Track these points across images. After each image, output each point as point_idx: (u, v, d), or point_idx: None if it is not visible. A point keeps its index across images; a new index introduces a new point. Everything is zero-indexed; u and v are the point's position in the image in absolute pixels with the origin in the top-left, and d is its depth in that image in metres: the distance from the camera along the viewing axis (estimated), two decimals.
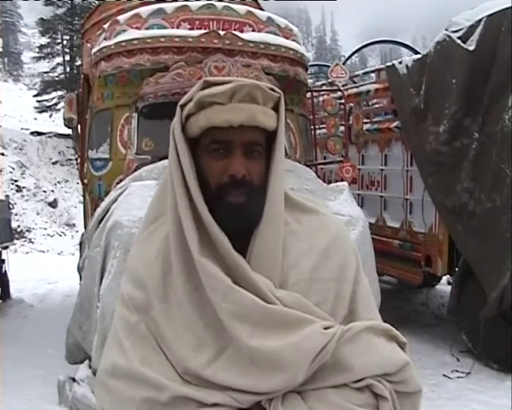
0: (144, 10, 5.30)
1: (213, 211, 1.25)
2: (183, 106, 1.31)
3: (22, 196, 22.65)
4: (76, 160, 22.53)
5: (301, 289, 1.27)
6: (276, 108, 1.32)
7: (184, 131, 1.31)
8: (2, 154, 23.58)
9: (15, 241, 15.68)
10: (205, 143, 1.28)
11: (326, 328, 1.22)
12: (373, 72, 8.27)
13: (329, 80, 7.03)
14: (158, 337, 1.27)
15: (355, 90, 7.80)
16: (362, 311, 1.32)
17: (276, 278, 1.27)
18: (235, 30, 5.18)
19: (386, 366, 1.24)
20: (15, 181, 22.89)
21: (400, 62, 6.71)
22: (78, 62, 28.51)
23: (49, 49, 33.36)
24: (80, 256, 5.79)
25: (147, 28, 5.19)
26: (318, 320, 1.23)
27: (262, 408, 1.21)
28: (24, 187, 23.04)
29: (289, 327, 1.20)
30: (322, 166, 7.36)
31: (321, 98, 7.52)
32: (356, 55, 18.23)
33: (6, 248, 8.83)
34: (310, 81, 8.01)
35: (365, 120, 6.93)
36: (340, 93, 6.36)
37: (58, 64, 33.35)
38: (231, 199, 1.25)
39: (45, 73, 33.65)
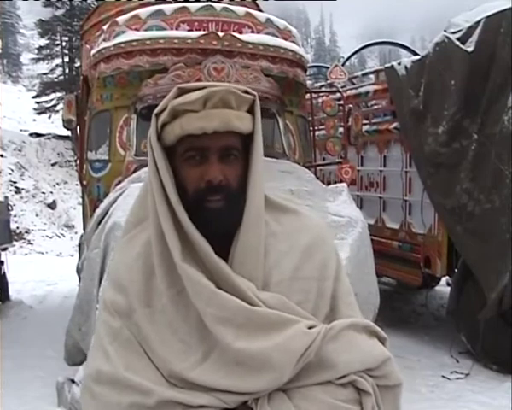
0: (143, 11, 5.30)
1: (193, 217, 1.27)
2: (158, 114, 1.31)
3: (21, 197, 22.64)
4: (75, 161, 22.50)
5: (283, 289, 1.29)
6: (251, 111, 1.33)
7: (161, 139, 1.31)
8: (1, 155, 23.57)
9: (14, 242, 15.69)
10: (181, 150, 1.29)
11: (310, 327, 1.24)
12: (372, 73, 8.27)
13: (328, 81, 7.02)
14: (142, 341, 1.28)
15: (354, 91, 7.81)
16: (342, 308, 1.34)
17: (259, 279, 1.28)
18: (234, 31, 5.19)
19: (368, 362, 1.26)
20: (14, 182, 22.88)
21: (399, 63, 6.71)
22: (78, 64, 28.49)
23: (48, 51, 33.33)
24: (79, 258, 5.79)
25: (146, 29, 5.19)
26: (302, 320, 1.25)
27: (248, 408, 1.22)
28: (23, 188, 23.04)
29: (274, 328, 1.22)
30: (321, 167, 7.37)
31: (320, 99, 7.52)
32: (355, 56, 18.22)
33: (5, 249, 8.82)
34: (309, 82, 8.01)
35: (364, 122, 6.93)
36: (339, 94, 6.36)
37: (57, 65, 33.34)
38: (209, 205, 1.26)
39: (44, 74, 33.65)
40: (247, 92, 1.31)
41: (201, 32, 5.08)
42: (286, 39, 5.48)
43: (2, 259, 8.65)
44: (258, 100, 1.34)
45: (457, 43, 5.73)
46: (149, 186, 1.32)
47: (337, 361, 1.23)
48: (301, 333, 1.22)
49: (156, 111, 1.31)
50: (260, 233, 1.29)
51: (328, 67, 7.14)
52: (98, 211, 4.80)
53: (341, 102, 6.13)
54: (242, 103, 1.30)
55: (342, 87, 6.84)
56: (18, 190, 22.73)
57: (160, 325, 1.27)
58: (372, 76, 8.13)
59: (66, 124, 5.98)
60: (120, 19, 5.33)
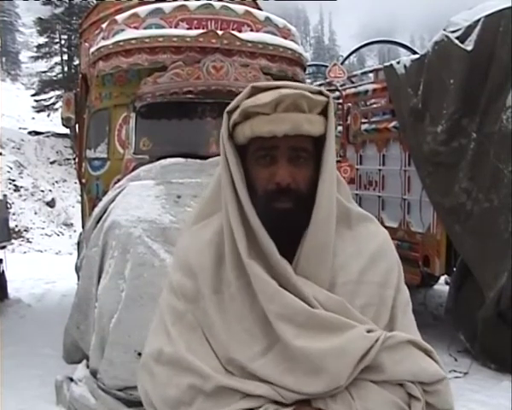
0: (142, 10, 5.30)
1: (261, 216, 1.28)
2: (229, 113, 1.32)
3: (20, 195, 22.60)
4: (74, 159, 22.46)
5: (349, 291, 1.30)
6: (325, 112, 1.32)
7: (233, 137, 1.32)
8: (0, 153, 23.55)
9: (13, 240, 15.68)
10: (252, 150, 1.30)
11: (368, 331, 1.24)
12: (371, 72, 8.28)
13: (327, 80, 7.03)
14: (205, 327, 1.30)
15: (353, 90, 7.80)
16: (400, 317, 1.34)
17: (326, 278, 1.29)
18: (233, 30, 5.19)
19: (421, 376, 1.26)
20: (13, 181, 22.84)
21: (398, 62, 6.71)
22: (76, 62, 28.41)
23: (47, 49, 33.25)
24: (78, 256, 5.79)
25: (145, 28, 5.19)
26: (360, 325, 1.25)
27: (305, 405, 1.22)
28: (22, 187, 23.00)
29: (333, 331, 1.23)
30: None
31: None
32: (354, 55, 18.24)
33: (4, 247, 8.81)
34: (308, 81, 8.02)
35: (363, 120, 6.93)
36: (338, 93, 6.37)
37: (56, 63, 33.25)
38: (278, 206, 1.26)
39: (43, 72, 33.53)
40: (321, 93, 1.30)
41: (200, 31, 5.08)
42: (285, 38, 5.48)
43: (0, 257, 8.64)
44: (332, 101, 1.33)
45: (456, 42, 5.73)
46: (222, 183, 1.34)
47: (388, 369, 1.23)
48: (360, 337, 1.21)
49: (228, 109, 1.32)
50: (329, 233, 1.29)
51: (327, 66, 7.15)
52: (97, 209, 4.80)
53: (340, 101, 6.14)
54: (315, 106, 1.29)
55: (341, 86, 6.85)
56: (17, 189, 22.70)
57: (227, 312, 1.29)
58: (371, 75, 8.13)
59: (65, 122, 5.97)
60: (119, 17, 5.33)
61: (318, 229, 1.28)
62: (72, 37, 30.75)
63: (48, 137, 27.65)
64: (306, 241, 1.28)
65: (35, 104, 32.28)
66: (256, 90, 1.29)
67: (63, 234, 22.18)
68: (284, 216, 1.26)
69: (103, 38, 5.32)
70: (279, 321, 1.23)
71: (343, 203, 1.38)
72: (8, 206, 15.98)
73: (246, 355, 1.24)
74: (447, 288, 6.64)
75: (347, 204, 1.40)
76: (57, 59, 33.37)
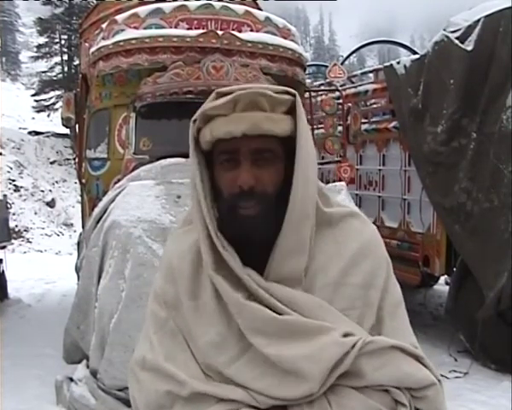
0: (142, 10, 5.30)
1: (226, 223, 1.25)
2: (194, 121, 1.29)
3: (20, 195, 22.59)
4: (74, 159, 22.42)
5: (327, 294, 1.25)
6: (294, 112, 1.26)
7: (199, 144, 1.29)
8: (0, 153, 23.54)
9: (13, 241, 15.68)
10: (215, 154, 1.27)
11: (346, 335, 1.19)
12: (371, 72, 8.27)
13: (327, 80, 7.03)
14: (186, 334, 1.30)
15: (353, 90, 7.80)
16: (388, 320, 1.29)
17: (299, 283, 1.25)
18: (233, 30, 5.19)
19: (406, 382, 1.22)
20: (13, 181, 22.83)
21: (398, 62, 6.71)
22: (76, 62, 28.41)
23: (47, 49, 33.25)
24: (78, 256, 5.80)
25: (145, 28, 5.19)
26: (337, 328, 1.20)
27: (281, 407, 1.20)
28: (22, 187, 22.99)
29: (306, 336, 1.19)
30: (320, 166, 7.37)
31: (319, 98, 7.53)
32: (354, 55, 18.25)
33: (4, 247, 8.81)
34: (308, 81, 8.01)
35: (363, 120, 6.92)
36: (338, 93, 6.37)
37: (56, 64, 33.25)
38: (242, 211, 1.22)
39: (43, 72, 33.53)
40: (287, 93, 1.26)
41: (200, 31, 5.08)
42: (285, 38, 5.48)
43: (0, 257, 8.64)
44: (299, 100, 1.28)
45: (456, 42, 5.73)
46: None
47: (368, 374, 1.18)
48: (334, 342, 1.17)
49: (194, 117, 1.29)
50: (303, 235, 1.24)
51: (327, 66, 7.15)
52: (97, 209, 4.80)
53: (340, 101, 6.14)
54: (277, 105, 1.24)
55: (341, 86, 6.85)
56: (17, 189, 22.68)
57: (202, 317, 1.28)
58: (371, 75, 8.13)
59: (65, 122, 5.97)
60: (119, 17, 5.33)
61: (291, 231, 1.23)
62: (73, 37, 30.75)
63: (48, 137, 27.63)
64: (278, 244, 1.24)
65: (35, 104, 32.28)
66: (219, 95, 1.26)
67: (63, 234, 22.17)
68: (249, 223, 1.22)
69: (103, 38, 5.33)
70: (249, 334, 1.20)
71: (322, 209, 1.33)
72: (8, 206, 15.98)
73: (220, 360, 1.23)
74: (447, 288, 6.64)
75: (325, 209, 1.34)
76: (57, 59, 33.36)
